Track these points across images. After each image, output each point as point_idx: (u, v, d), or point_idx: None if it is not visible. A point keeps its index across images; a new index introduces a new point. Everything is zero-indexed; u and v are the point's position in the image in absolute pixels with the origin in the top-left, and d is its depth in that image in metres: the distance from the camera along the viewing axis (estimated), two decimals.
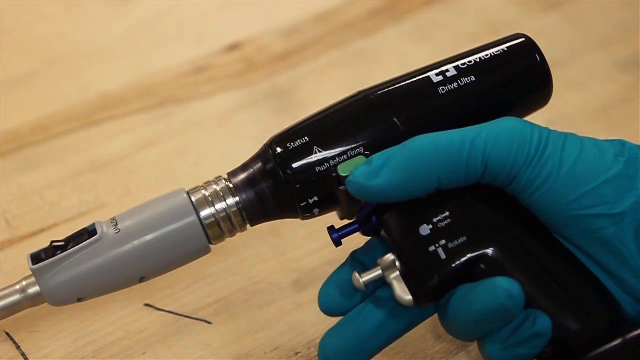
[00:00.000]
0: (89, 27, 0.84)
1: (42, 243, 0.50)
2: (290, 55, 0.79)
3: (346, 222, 0.51)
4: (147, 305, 0.58)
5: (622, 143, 0.47)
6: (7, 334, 0.56)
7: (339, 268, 0.51)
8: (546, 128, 0.47)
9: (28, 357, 0.55)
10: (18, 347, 0.56)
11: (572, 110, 0.73)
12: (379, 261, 0.48)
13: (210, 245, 0.50)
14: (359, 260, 0.51)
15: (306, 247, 0.62)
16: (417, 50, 0.80)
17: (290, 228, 0.63)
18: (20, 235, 0.63)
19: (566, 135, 0.47)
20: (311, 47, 0.80)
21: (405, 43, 0.81)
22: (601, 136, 0.49)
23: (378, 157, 0.46)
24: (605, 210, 0.45)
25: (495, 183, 0.46)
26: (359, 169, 0.46)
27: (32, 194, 0.66)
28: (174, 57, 0.79)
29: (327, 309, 0.50)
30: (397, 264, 0.47)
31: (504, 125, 0.46)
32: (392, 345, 0.54)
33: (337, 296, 0.50)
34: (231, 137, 0.72)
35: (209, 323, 0.58)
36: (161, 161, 0.70)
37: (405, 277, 0.47)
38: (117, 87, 0.76)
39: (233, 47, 0.80)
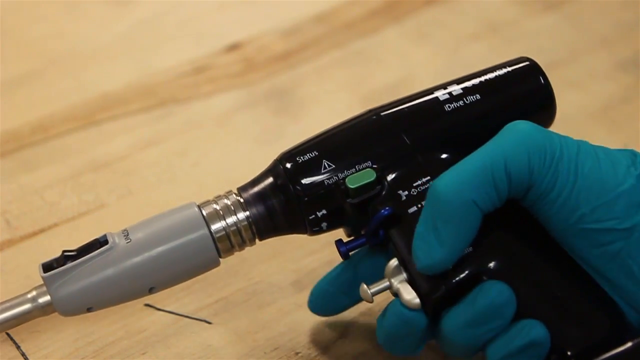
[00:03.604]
0: (89, 27, 0.84)
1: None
2: (290, 55, 0.79)
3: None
4: (147, 305, 0.58)
5: (634, 154, 0.47)
6: (7, 334, 0.56)
7: (329, 275, 0.54)
8: (557, 134, 0.47)
9: (28, 357, 0.55)
10: (18, 347, 0.56)
11: (572, 110, 0.73)
12: (385, 268, 0.48)
13: (220, 259, 0.51)
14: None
15: (306, 247, 0.62)
16: (417, 50, 0.80)
17: None
18: (20, 235, 0.63)
19: (579, 144, 0.47)
20: (311, 47, 0.80)
21: (405, 43, 0.81)
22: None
23: (427, 232, 0.46)
24: (615, 224, 0.45)
25: (517, 196, 0.46)
26: (420, 254, 0.46)
27: (32, 194, 0.66)
28: (174, 57, 0.79)
29: (320, 314, 0.56)
30: (402, 270, 0.48)
31: (516, 132, 0.46)
32: None
33: (330, 307, 0.55)
34: (231, 137, 0.72)
35: (209, 323, 0.58)
36: (161, 161, 0.70)
37: (412, 287, 0.47)
38: (117, 87, 0.76)
39: (233, 47, 0.80)
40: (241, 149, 0.71)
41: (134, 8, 0.85)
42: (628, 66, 0.77)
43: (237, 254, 0.53)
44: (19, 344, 0.56)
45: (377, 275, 0.49)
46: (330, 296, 0.54)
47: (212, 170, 0.68)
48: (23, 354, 0.55)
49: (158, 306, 0.58)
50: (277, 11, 0.84)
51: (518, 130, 0.46)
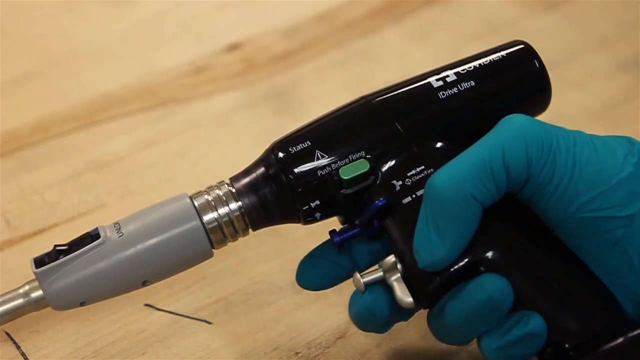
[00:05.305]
0: (89, 27, 0.84)
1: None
2: (290, 55, 0.79)
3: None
4: (147, 305, 0.58)
5: (630, 142, 0.47)
6: (7, 334, 0.56)
7: (319, 246, 0.53)
8: (553, 125, 0.47)
9: (28, 357, 0.55)
10: (18, 347, 0.56)
11: (572, 110, 0.73)
12: (380, 263, 0.48)
13: (213, 250, 0.50)
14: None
15: (306, 247, 0.62)
16: (417, 50, 0.80)
17: (290, 228, 0.62)
18: (20, 235, 0.63)
19: (575, 134, 0.46)
20: (311, 47, 0.80)
21: (405, 43, 0.81)
22: None
23: (427, 228, 0.45)
24: (615, 212, 0.45)
25: (514, 188, 0.46)
26: (421, 252, 0.46)
27: (32, 194, 0.66)
28: (174, 57, 0.79)
29: (306, 286, 0.53)
30: (399, 266, 0.47)
31: (512, 124, 0.46)
32: (392, 346, 0.55)
33: (317, 276, 0.52)
34: (231, 137, 0.72)
35: (209, 323, 0.58)
36: (161, 161, 0.70)
37: (407, 279, 0.47)
38: (117, 87, 0.76)
39: (233, 47, 0.80)
40: (241, 149, 0.71)
41: (134, 8, 0.85)
42: (628, 66, 0.77)
43: (236, 254, 0.53)
44: (19, 344, 0.56)
45: (364, 248, 0.50)
46: (316, 262, 0.52)
47: (212, 170, 0.68)
48: (23, 354, 0.55)
49: (158, 306, 0.58)
50: (277, 11, 0.84)
51: (514, 123, 0.46)
